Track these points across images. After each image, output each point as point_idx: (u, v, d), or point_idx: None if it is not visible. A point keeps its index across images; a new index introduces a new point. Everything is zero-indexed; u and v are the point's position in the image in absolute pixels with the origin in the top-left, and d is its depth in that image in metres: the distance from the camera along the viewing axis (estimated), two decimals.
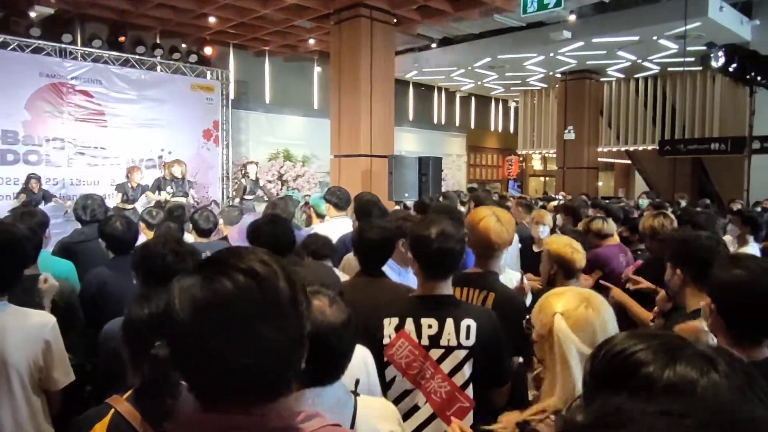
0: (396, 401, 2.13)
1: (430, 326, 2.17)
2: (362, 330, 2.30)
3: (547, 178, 23.47)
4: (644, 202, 10.11)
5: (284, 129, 15.71)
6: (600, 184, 19.86)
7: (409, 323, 2.19)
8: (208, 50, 13.58)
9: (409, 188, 10.70)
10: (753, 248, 4.63)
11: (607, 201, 10.13)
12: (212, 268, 0.93)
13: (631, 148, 17.81)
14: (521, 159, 22.92)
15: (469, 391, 2.15)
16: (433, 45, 15.27)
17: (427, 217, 2.60)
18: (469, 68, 16.26)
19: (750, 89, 9.70)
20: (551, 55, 14.45)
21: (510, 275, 3.23)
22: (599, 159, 18.27)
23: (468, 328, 2.15)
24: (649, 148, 16.94)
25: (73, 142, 11.31)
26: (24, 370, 2.15)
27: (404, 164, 11.01)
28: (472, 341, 2.14)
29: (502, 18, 12.96)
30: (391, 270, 3.11)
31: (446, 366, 2.15)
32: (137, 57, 12.25)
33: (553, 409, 1.46)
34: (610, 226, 4.36)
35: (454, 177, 19.85)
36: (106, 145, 11.74)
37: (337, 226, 4.61)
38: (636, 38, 12.61)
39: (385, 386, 2.16)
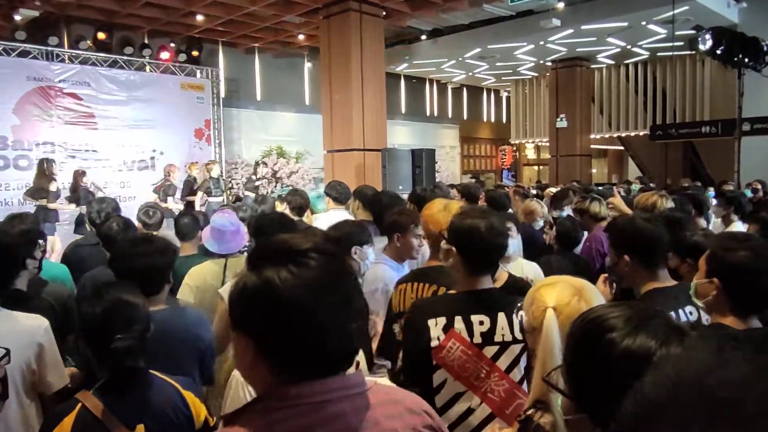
0: (447, 405, 2.05)
1: (481, 323, 2.05)
2: None
3: (541, 167, 23.49)
4: (636, 187, 10.15)
5: (276, 126, 15.66)
6: (593, 171, 19.90)
7: (459, 322, 2.05)
8: (193, 49, 13.53)
9: (403, 181, 10.71)
10: (739, 227, 4.72)
11: (600, 187, 10.16)
12: (291, 256, 1.01)
13: (623, 134, 17.84)
14: (515, 148, 22.94)
15: (525, 385, 2.05)
16: (423, 37, 15.24)
17: (471, 209, 2.51)
18: (460, 59, 16.25)
19: (738, 71, 9.71)
20: (541, 43, 14.45)
21: (522, 264, 3.20)
22: (592, 146, 18.30)
23: (522, 320, 2.01)
24: (641, 133, 16.98)
25: (64, 145, 11.25)
26: (17, 374, 2.12)
27: (398, 157, 11.02)
28: None
29: (492, 7, 12.94)
30: (388, 266, 3.06)
31: (503, 363, 2.04)
32: (126, 58, 12.19)
33: (534, 399, 1.47)
34: (606, 209, 4.52)
35: (448, 168, 19.85)
36: (97, 148, 11.70)
37: (332, 219, 4.63)
38: (625, 24, 12.62)
39: (434, 391, 2.06)
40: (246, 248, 3.46)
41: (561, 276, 1.67)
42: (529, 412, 1.46)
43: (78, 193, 9.32)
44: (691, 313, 2.20)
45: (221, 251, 3.31)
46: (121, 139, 12.00)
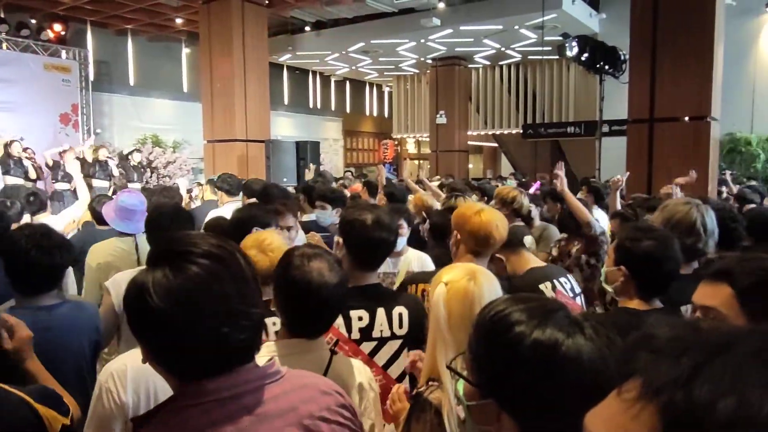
0: None
1: (360, 318, 2.04)
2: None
3: (422, 161, 24.19)
4: (511, 182, 10.72)
5: (152, 113, 14.89)
6: (470, 166, 20.80)
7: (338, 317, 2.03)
8: (57, 27, 12.51)
9: (288, 173, 10.63)
10: (597, 212, 5.22)
11: (478, 182, 10.65)
12: (173, 258, 0.99)
13: (497, 132, 18.77)
14: (396, 143, 23.42)
15: (407, 380, 2.04)
16: (307, 28, 15.13)
17: (360, 203, 2.55)
18: (343, 53, 16.31)
19: (599, 77, 10.56)
20: (422, 41, 14.85)
21: (410, 256, 3.30)
22: (469, 142, 19.09)
23: (400, 316, 2.07)
24: (514, 131, 17.96)
25: None
26: None
27: (282, 149, 10.92)
28: (405, 329, 2.07)
29: (375, 3, 13.11)
30: None
31: (380, 359, 2.06)
32: None
33: (426, 377, 1.55)
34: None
35: (332, 161, 19.92)
36: None
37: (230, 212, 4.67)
38: (500, 27, 13.29)
39: None
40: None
41: (467, 264, 1.79)
42: (421, 389, 1.53)
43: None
44: (564, 282, 2.60)
45: (131, 230, 3.23)
46: None
